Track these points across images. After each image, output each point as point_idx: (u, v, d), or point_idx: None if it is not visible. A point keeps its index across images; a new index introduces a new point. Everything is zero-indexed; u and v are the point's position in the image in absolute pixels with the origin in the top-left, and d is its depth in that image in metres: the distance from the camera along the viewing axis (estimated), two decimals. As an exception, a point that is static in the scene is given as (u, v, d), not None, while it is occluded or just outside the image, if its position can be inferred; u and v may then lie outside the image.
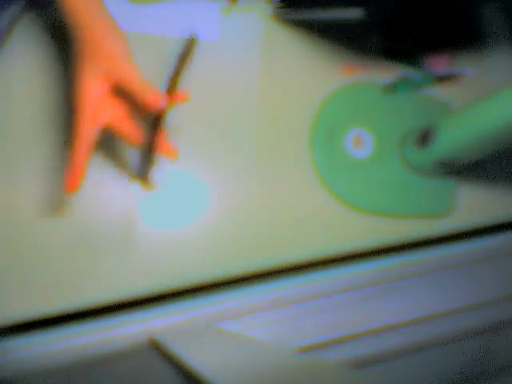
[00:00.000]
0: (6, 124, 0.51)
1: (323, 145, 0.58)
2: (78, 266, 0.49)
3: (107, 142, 0.51)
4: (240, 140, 0.56)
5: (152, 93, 0.44)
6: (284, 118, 0.58)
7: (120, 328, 0.49)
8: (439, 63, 0.65)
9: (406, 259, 0.58)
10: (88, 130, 0.44)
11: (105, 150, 0.52)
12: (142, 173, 0.47)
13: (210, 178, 0.55)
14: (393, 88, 0.62)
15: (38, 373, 0.47)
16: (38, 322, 0.48)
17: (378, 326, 0.54)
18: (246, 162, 0.56)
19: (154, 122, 0.46)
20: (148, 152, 0.46)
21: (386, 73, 0.63)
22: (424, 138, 0.57)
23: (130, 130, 0.47)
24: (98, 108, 0.45)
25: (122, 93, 0.45)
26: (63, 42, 0.52)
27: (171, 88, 0.47)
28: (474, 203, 0.62)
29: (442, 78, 0.65)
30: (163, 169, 0.52)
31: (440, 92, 0.64)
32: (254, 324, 0.52)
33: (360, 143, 0.60)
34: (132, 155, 0.53)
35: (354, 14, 0.63)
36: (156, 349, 0.49)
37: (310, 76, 0.60)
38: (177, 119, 0.52)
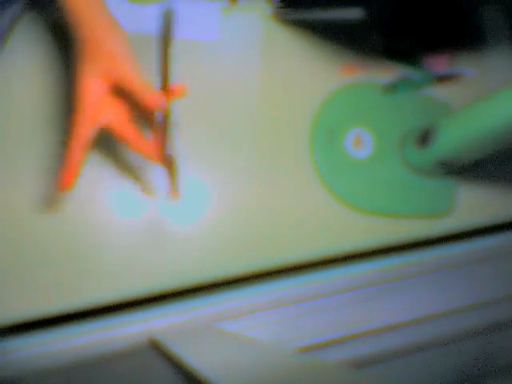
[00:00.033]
0: (6, 124, 0.51)
1: (323, 145, 0.58)
2: (78, 266, 0.49)
3: (107, 142, 0.52)
4: (240, 140, 0.56)
5: (152, 93, 0.44)
6: (284, 118, 0.58)
7: (120, 328, 0.49)
8: (439, 63, 0.65)
9: (406, 259, 0.58)
10: (87, 129, 0.44)
11: (105, 150, 0.52)
12: (168, 182, 0.48)
13: (209, 178, 0.55)
14: (393, 88, 0.62)
15: (38, 373, 0.47)
16: (38, 322, 0.48)
17: (377, 326, 0.54)
18: (246, 162, 0.56)
19: (161, 124, 0.46)
20: (165, 163, 0.47)
21: (386, 73, 0.63)
22: (424, 138, 0.57)
23: (130, 132, 0.46)
24: (98, 108, 0.45)
25: (122, 93, 0.45)
26: (64, 42, 0.53)
27: (164, 76, 0.47)
28: (474, 203, 0.62)
29: (442, 78, 0.65)
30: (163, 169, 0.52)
31: (440, 92, 0.64)
32: (254, 324, 0.52)
33: (360, 143, 0.60)
34: (132, 155, 0.53)
35: (354, 14, 0.63)
36: (156, 349, 0.49)
37: (310, 76, 0.60)
38: (177, 119, 0.52)
